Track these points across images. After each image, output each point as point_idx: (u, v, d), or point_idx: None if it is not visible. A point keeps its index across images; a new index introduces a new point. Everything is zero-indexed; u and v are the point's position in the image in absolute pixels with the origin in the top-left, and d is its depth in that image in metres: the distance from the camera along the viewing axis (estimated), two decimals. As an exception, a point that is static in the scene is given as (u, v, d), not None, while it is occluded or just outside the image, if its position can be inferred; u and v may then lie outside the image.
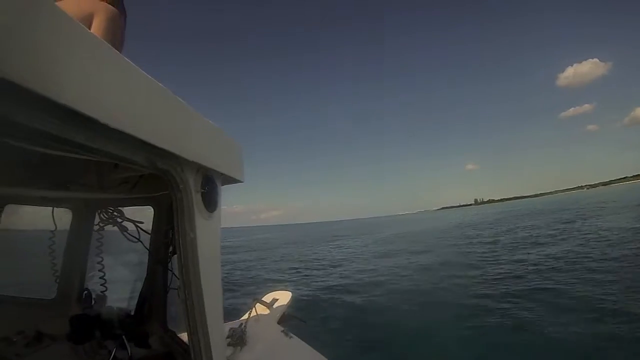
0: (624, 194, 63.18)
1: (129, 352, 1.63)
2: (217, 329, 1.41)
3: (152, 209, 2.17)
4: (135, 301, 2.28)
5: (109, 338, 1.74)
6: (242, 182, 1.66)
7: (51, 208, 2.17)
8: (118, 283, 2.47)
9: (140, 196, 1.94)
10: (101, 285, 2.25)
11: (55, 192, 1.80)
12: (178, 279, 1.28)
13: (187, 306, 1.26)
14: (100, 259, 2.24)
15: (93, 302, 2.30)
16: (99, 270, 2.25)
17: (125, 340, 1.68)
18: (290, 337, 3.83)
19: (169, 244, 2.02)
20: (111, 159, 0.89)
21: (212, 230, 1.35)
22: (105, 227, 2.21)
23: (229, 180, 1.58)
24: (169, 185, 1.13)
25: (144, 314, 2.18)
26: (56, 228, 2.19)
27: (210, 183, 1.31)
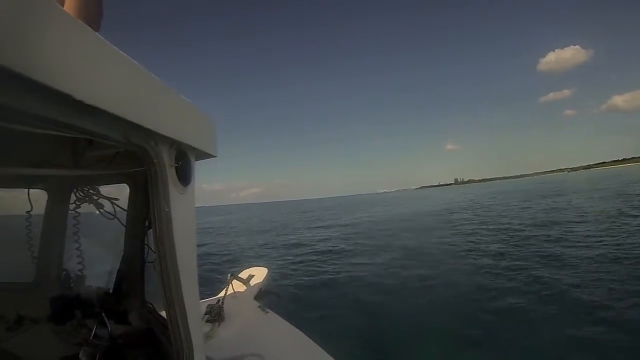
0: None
1: (109, 329, 1.67)
2: (193, 302, 1.50)
3: (128, 186, 2.23)
4: (114, 279, 2.33)
5: (89, 317, 1.78)
6: (215, 156, 1.72)
7: (26, 190, 2.19)
8: (96, 262, 2.50)
9: (115, 173, 2.01)
10: (79, 265, 2.29)
11: (29, 171, 1.84)
12: (154, 253, 1.34)
13: (163, 279, 1.33)
14: (77, 239, 2.28)
15: (72, 282, 2.34)
16: (76, 249, 2.28)
17: (105, 318, 1.72)
18: (267, 312, 4.04)
19: (144, 219, 2.08)
20: (87, 136, 0.94)
21: (187, 203, 1.42)
22: (81, 206, 2.23)
23: (203, 155, 1.63)
24: (144, 160, 1.19)
25: (122, 290, 2.25)
26: (32, 209, 2.21)
27: (184, 157, 1.37)
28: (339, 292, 9.44)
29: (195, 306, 1.54)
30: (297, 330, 3.73)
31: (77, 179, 2.20)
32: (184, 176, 1.36)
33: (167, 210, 1.26)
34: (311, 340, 3.51)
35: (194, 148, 1.46)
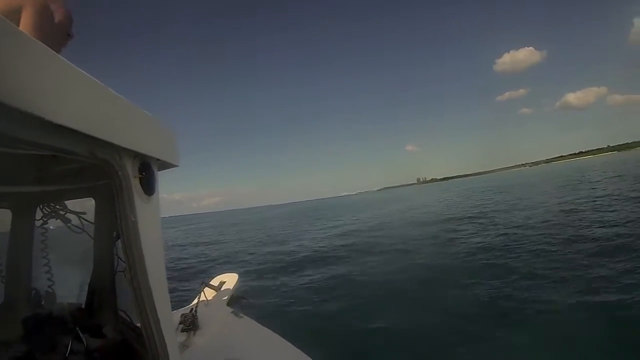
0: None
1: (85, 343, 1.71)
2: (165, 309, 1.58)
3: (93, 200, 2.26)
4: (85, 293, 2.35)
5: (64, 334, 1.78)
6: (177, 166, 1.82)
7: None
8: (66, 277, 2.53)
9: (80, 187, 2.06)
10: (49, 281, 2.33)
11: None
12: (124, 262, 1.41)
13: (134, 288, 1.41)
14: (45, 255, 2.31)
15: (43, 300, 2.37)
16: (45, 266, 2.32)
17: (80, 333, 1.75)
18: (241, 317, 4.19)
19: (112, 231, 2.12)
20: (54, 152, 1.01)
21: (152, 213, 1.51)
22: (47, 221, 2.27)
23: (165, 165, 1.73)
24: (109, 173, 1.27)
25: (94, 303, 2.27)
26: None
27: (147, 168, 1.45)
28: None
29: (167, 312, 1.63)
30: (272, 333, 3.88)
31: (42, 195, 2.23)
32: (148, 186, 1.46)
33: (133, 220, 1.35)
34: (287, 341, 3.64)
35: (157, 159, 1.56)
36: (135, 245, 1.37)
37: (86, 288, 2.35)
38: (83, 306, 2.32)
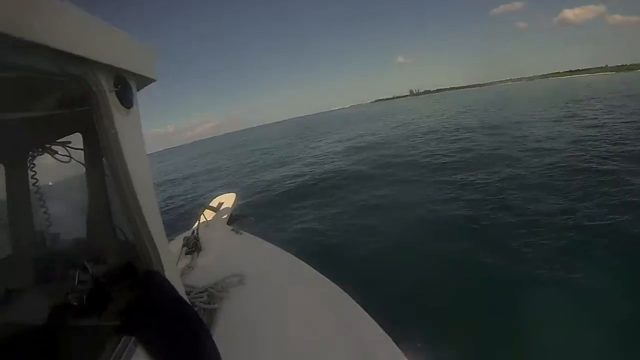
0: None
1: (90, 271, 1.77)
2: (154, 217, 1.70)
3: (80, 134, 2.30)
4: (85, 225, 2.45)
5: (72, 268, 1.84)
6: (155, 80, 1.86)
7: None
8: (66, 215, 2.62)
9: (65, 124, 2.12)
10: (50, 223, 2.43)
11: None
12: (111, 178, 1.52)
13: (122, 199, 1.51)
14: (43, 199, 2.39)
15: (47, 242, 2.48)
16: (41, 206, 2.39)
17: (86, 263, 1.81)
18: (241, 233, 4.33)
19: (101, 158, 2.16)
20: (24, 72, 1.06)
21: (132, 126, 1.57)
22: (39, 164, 2.34)
23: (142, 80, 1.77)
24: (85, 91, 1.32)
25: (96, 232, 2.37)
26: None
27: (123, 82, 1.50)
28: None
29: (157, 221, 1.72)
30: (273, 246, 4.01)
31: (30, 141, 2.29)
32: (125, 99, 1.51)
33: (113, 132, 1.40)
34: (289, 254, 3.78)
35: (132, 72, 1.59)
36: (118, 157, 1.44)
37: (85, 221, 2.44)
38: (85, 237, 2.41)
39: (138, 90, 1.73)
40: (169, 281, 1.68)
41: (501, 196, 8.85)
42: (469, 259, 6.05)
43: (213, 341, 1.77)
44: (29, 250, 2.43)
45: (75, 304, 1.61)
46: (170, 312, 1.58)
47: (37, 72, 1.08)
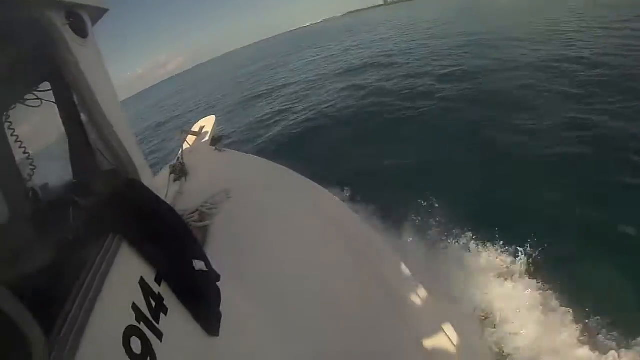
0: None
1: (81, 203, 1.80)
2: (129, 137, 1.81)
3: (48, 83, 2.27)
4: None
5: (66, 206, 1.85)
6: (107, 9, 1.89)
7: None
8: (52, 162, 2.66)
9: (32, 76, 2.12)
10: (37, 173, 2.39)
11: None
12: (82, 108, 1.63)
13: (94, 123, 1.62)
14: (25, 151, 2.35)
15: (39, 192, 2.43)
16: (27, 160, 2.36)
17: (75, 198, 1.85)
18: (225, 151, 4.44)
19: (71, 98, 2.13)
20: None
21: (91, 55, 1.62)
22: (13, 120, 2.30)
23: (93, 10, 1.78)
24: (39, 32, 1.37)
25: (80, 166, 2.37)
26: None
27: (74, 14, 1.54)
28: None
29: (130, 137, 1.86)
30: (258, 158, 4.18)
31: (3, 100, 2.27)
32: (80, 30, 1.55)
33: (74, 61, 1.46)
34: (273, 163, 3.90)
35: (80, 4, 1.60)
36: (84, 85, 1.52)
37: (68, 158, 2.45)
38: (73, 179, 2.41)
39: (94, 22, 1.77)
40: (146, 186, 1.80)
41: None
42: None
43: (192, 234, 1.91)
44: (25, 209, 2.44)
45: (74, 239, 1.62)
46: (148, 209, 1.70)
47: None
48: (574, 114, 7.13)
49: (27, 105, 2.27)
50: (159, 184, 3.72)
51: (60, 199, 2.16)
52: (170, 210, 1.86)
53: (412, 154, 7.02)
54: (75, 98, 1.99)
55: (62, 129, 2.38)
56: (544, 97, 8.32)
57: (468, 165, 6.23)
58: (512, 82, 9.67)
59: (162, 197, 2.17)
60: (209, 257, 1.90)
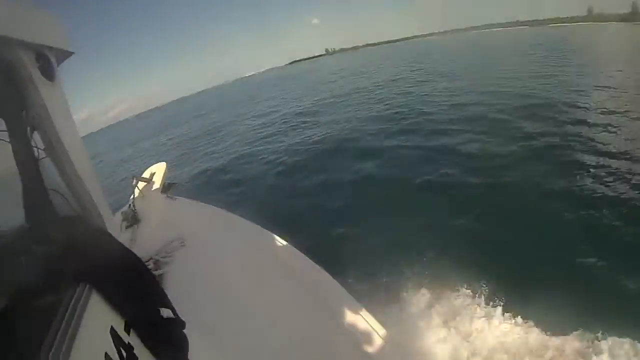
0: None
1: (36, 251, 1.75)
2: (94, 185, 1.80)
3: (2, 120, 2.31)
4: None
5: (17, 255, 1.75)
6: (72, 52, 1.92)
7: None
8: (3, 207, 2.39)
9: None
10: None
11: None
12: (45, 150, 1.61)
13: (59, 168, 1.61)
14: None
15: None
16: None
17: (29, 247, 1.78)
18: (177, 199, 4.45)
19: (27, 139, 2.05)
20: None
21: (58, 97, 1.65)
22: None
23: (61, 53, 1.83)
24: (6, 70, 1.40)
25: (33, 214, 2.25)
26: None
27: (43, 57, 1.58)
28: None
29: (95, 184, 1.84)
30: (210, 206, 4.19)
31: None
32: (48, 72, 1.58)
33: (41, 103, 1.49)
34: (224, 210, 3.98)
35: (50, 47, 1.65)
36: (49, 128, 1.53)
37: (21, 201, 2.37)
38: (25, 223, 2.30)
39: (58, 64, 1.78)
40: (114, 237, 1.79)
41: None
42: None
43: (159, 283, 1.96)
44: None
45: (27, 290, 1.56)
46: (116, 258, 1.69)
47: None
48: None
49: None
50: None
51: (10, 244, 2.02)
52: (137, 258, 1.84)
53: (340, 198, 7.51)
54: (31, 138, 1.95)
55: (14, 169, 2.28)
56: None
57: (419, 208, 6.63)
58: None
59: (117, 229, 2.13)
60: None
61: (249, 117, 23.16)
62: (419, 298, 4.26)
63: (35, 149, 2.17)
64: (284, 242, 3.29)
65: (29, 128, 2.01)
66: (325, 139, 12.59)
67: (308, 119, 17.07)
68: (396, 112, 14.46)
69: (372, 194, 7.50)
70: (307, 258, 3.06)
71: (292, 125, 16.61)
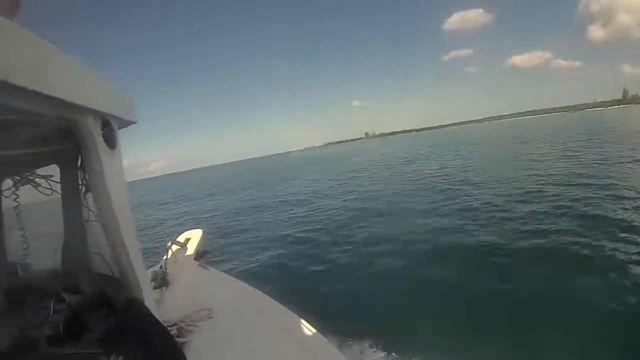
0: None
1: (67, 300, 1.81)
2: (136, 252, 1.82)
3: (57, 166, 2.35)
4: (60, 256, 2.46)
5: (45, 298, 1.88)
6: (135, 122, 2.06)
7: None
8: (40, 245, 2.59)
9: (43, 153, 2.12)
10: (24, 252, 2.42)
11: None
12: (94, 213, 1.68)
13: (107, 235, 1.63)
14: (19, 227, 2.38)
15: (20, 271, 2.49)
16: (19, 237, 2.37)
17: (61, 292, 1.85)
18: (209, 269, 4.40)
19: (78, 193, 2.19)
20: (24, 117, 1.16)
21: (116, 165, 1.71)
22: (15, 193, 2.34)
23: (125, 122, 1.95)
24: (74, 132, 1.46)
25: (71, 263, 2.38)
26: None
27: (108, 125, 1.65)
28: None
29: (137, 252, 1.85)
30: (240, 281, 4.13)
31: (6, 168, 2.34)
32: (110, 141, 1.65)
33: (99, 170, 1.54)
34: (254, 288, 3.89)
35: (116, 116, 1.74)
36: (103, 193, 1.57)
37: (60, 252, 2.45)
38: (60, 269, 2.42)
39: (119, 129, 1.87)
40: (148, 308, 1.78)
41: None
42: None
43: None
44: (1, 280, 2.42)
45: (50, 333, 1.65)
46: (150, 334, 1.66)
47: (33, 116, 1.17)
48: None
49: (32, 189, 2.28)
50: None
51: (43, 286, 2.13)
52: (171, 337, 1.89)
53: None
54: (84, 198, 2.06)
55: (61, 218, 2.41)
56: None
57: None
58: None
59: (153, 300, 2.20)
60: None
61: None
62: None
63: (85, 209, 2.24)
64: (312, 330, 3.22)
65: (83, 189, 2.12)
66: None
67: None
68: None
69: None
70: (334, 348, 3.04)
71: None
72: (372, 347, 4.73)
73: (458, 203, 12.82)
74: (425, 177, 20.60)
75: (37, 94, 1.04)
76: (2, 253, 2.56)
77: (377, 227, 11.11)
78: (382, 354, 4.67)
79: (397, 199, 15.34)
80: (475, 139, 57.81)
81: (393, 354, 4.61)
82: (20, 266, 2.51)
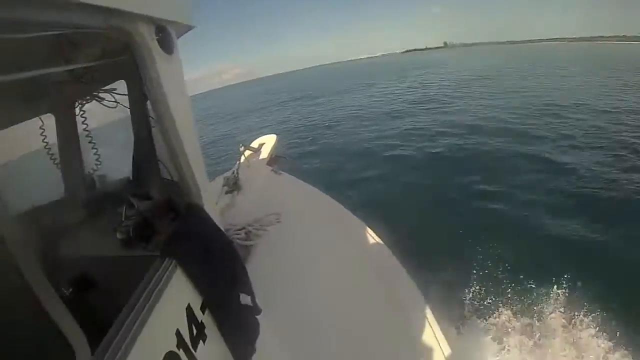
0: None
1: (136, 205, 1.91)
2: (197, 159, 1.86)
3: (124, 81, 2.43)
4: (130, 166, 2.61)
5: (119, 205, 2.00)
6: (193, 26, 2.00)
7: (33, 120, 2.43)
8: (113, 158, 2.82)
9: (108, 73, 2.27)
10: (99, 166, 2.66)
11: (32, 103, 2.17)
12: (155, 120, 1.69)
13: (166, 140, 1.64)
14: (92, 141, 2.58)
15: (96, 183, 2.69)
16: (92, 149, 2.59)
17: (131, 199, 1.96)
18: (280, 174, 4.48)
19: (144, 102, 2.23)
20: (72, 29, 1.14)
21: (174, 71, 1.70)
22: (85, 112, 2.52)
23: (181, 27, 1.90)
24: (129, 41, 1.43)
25: (141, 171, 2.51)
26: (46, 137, 2.47)
27: (163, 30, 1.62)
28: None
29: (198, 159, 1.90)
30: (310, 186, 4.21)
31: (76, 91, 2.47)
32: (166, 46, 1.63)
33: (156, 77, 1.52)
34: (325, 194, 3.99)
35: (171, 21, 1.70)
36: (162, 101, 1.56)
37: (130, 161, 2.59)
38: (131, 178, 2.59)
39: (178, 37, 1.84)
40: (207, 213, 1.84)
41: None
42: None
43: (245, 268, 1.96)
44: (80, 192, 2.64)
45: (122, 237, 1.75)
46: (207, 239, 1.73)
47: (84, 28, 1.16)
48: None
49: (102, 105, 2.45)
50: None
51: (116, 194, 2.26)
52: (229, 243, 1.91)
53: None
54: (148, 106, 2.07)
55: (131, 130, 2.51)
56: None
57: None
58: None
59: (214, 205, 2.28)
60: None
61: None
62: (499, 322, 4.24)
63: (151, 118, 2.30)
64: (376, 238, 3.29)
65: (144, 97, 2.16)
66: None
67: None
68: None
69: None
70: (392, 256, 3.08)
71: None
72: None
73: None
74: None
75: (84, 5, 1.05)
76: (79, 167, 2.73)
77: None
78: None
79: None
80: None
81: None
82: (97, 178, 2.70)
